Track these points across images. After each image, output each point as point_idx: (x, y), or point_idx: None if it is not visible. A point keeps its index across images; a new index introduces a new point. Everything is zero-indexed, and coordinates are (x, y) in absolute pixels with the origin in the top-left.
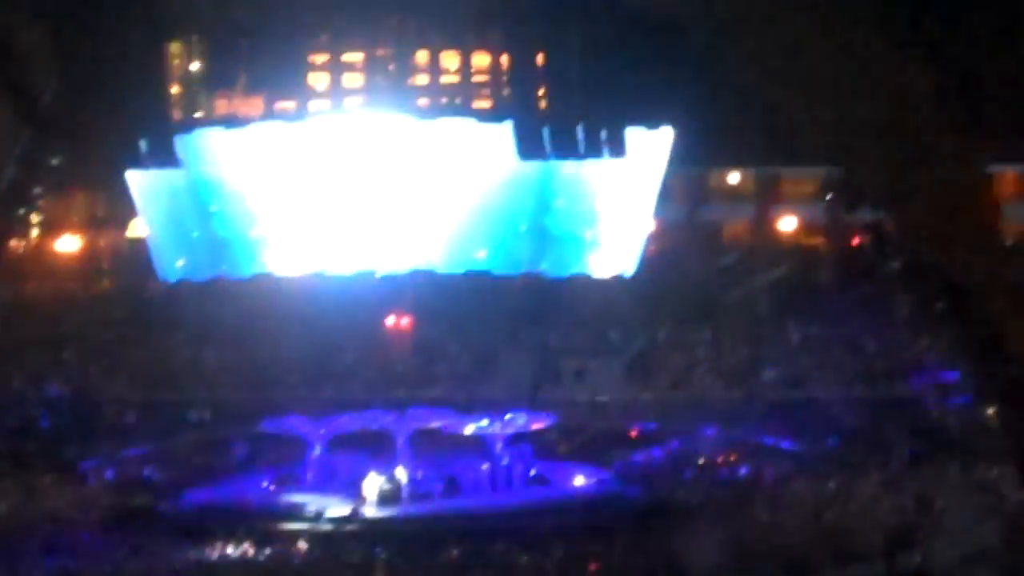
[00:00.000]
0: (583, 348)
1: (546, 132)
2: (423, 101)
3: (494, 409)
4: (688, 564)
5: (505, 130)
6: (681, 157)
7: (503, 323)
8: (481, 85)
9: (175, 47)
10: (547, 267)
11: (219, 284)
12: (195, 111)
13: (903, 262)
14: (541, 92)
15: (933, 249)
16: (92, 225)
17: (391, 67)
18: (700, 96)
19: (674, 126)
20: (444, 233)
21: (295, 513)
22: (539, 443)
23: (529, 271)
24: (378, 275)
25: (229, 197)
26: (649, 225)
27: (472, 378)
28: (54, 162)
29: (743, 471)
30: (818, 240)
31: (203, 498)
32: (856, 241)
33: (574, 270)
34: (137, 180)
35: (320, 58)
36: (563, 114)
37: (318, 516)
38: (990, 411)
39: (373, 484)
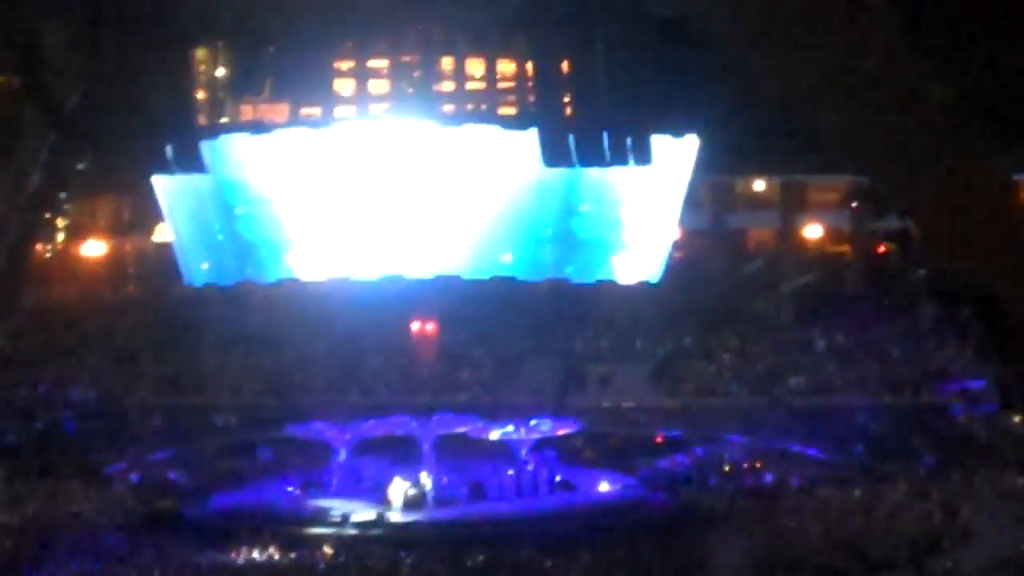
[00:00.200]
0: (608, 354)
1: (571, 139)
2: (448, 107)
3: (519, 415)
4: (713, 571)
5: (530, 137)
6: (707, 164)
7: (528, 329)
8: (506, 92)
9: (201, 53)
10: (572, 273)
11: (245, 288)
12: (221, 117)
13: (929, 270)
14: (566, 99)
15: (959, 257)
16: (118, 230)
17: (416, 73)
18: (726, 104)
19: (700, 134)
20: (469, 239)
21: (320, 518)
22: (564, 449)
23: (554, 277)
24: (403, 280)
25: (255, 202)
26: (675, 232)
27: (497, 384)
28: (80, 167)
29: (768, 478)
30: (844, 248)
31: (228, 502)
32: (882, 249)
33: (599, 276)
34: (163, 185)
35: (345, 64)
36: (588, 121)
37: (343, 521)
38: (1016, 419)
39: (398, 489)
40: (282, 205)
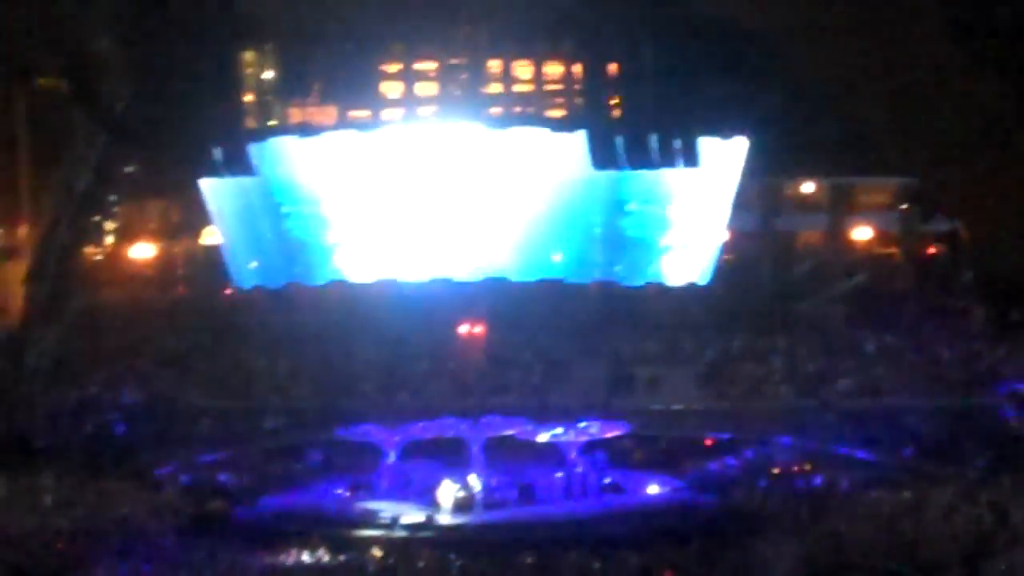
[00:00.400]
0: (657, 356)
1: (620, 141)
2: (496, 110)
3: (568, 417)
4: (762, 573)
5: (578, 139)
6: (755, 167)
7: (576, 331)
8: (554, 94)
9: (249, 56)
10: (621, 273)
11: (293, 291)
12: (269, 119)
13: (978, 271)
14: (615, 101)
15: (1008, 258)
16: (166, 232)
17: (464, 76)
18: (775, 106)
19: (748, 136)
20: (517, 240)
21: (369, 520)
22: (613, 451)
23: (602, 279)
24: (451, 283)
25: (303, 204)
26: (723, 234)
27: (546, 386)
28: (129, 170)
29: (817, 481)
30: (893, 249)
31: (278, 504)
32: (931, 250)
33: (648, 277)
34: (211, 187)
35: (393, 67)
36: (637, 123)
37: (392, 523)
38: None
39: (447, 492)
40: (330, 207)
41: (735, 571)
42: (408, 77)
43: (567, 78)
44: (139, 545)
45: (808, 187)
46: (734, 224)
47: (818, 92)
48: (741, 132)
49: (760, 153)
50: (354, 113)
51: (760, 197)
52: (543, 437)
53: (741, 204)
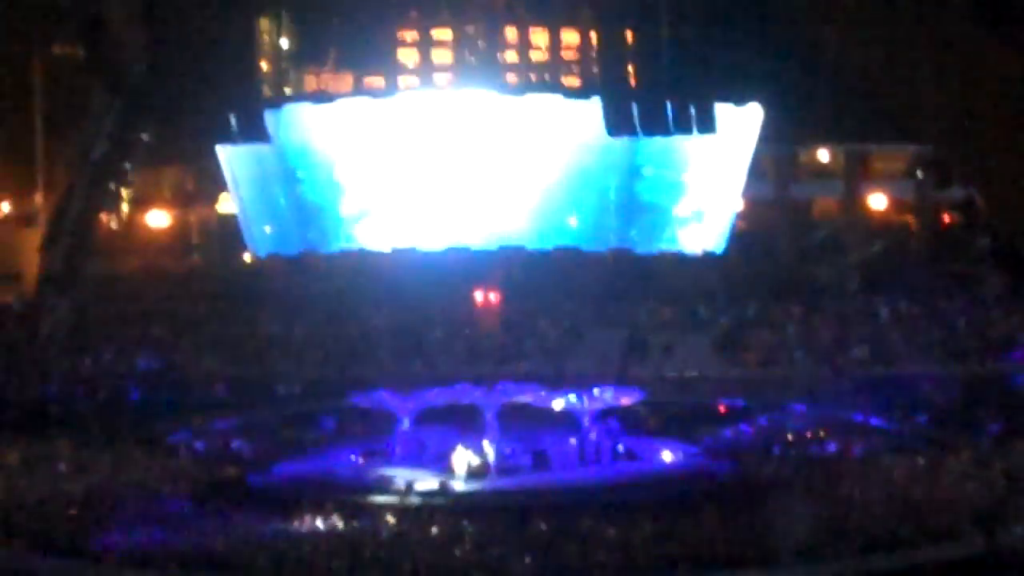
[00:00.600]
0: (672, 324)
1: (635, 108)
2: (512, 77)
3: (582, 384)
4: (777, 540)
5: (594, 106)
6: (771, 135)
7: (591, 298)
8: (570, 62)
9: (265, 23)
10: (636, 240)
11: (308, 258)
12: (285, 87)
13: (993, 239)
14: (630, 68)
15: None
16: (182, 200)
17: (480, 44)
18: (790, 74)
19: (764, 104)
20: (532, 208)
21: (383, 487)
22: (627, 418)
23: (618, 247)
24: (467, 250)
25: (319, 172)
26: (739, 202)
27: (560, 353)
28: (144, 137)
29: (832, 447)
30: (908, 218)
31: (291, 471)
32: (946, 218)
33: (663, 245)
34: (227, 155)
35: (409, 35)
36: (652, 90)
37: (407, 490)
38: None
39: (461, 458)
40: (346, 175)
41: (749, 537)
42: (424, 44)
43: (583, 45)
44: (154, 510)
45: (823, 155)
46: (749, 192)
47: (833, 60)
48: (756, 100)
49: (775, 121)
50: (370, 80)
51: (775, 165)
52: (557, 404)
53: (756, 172)
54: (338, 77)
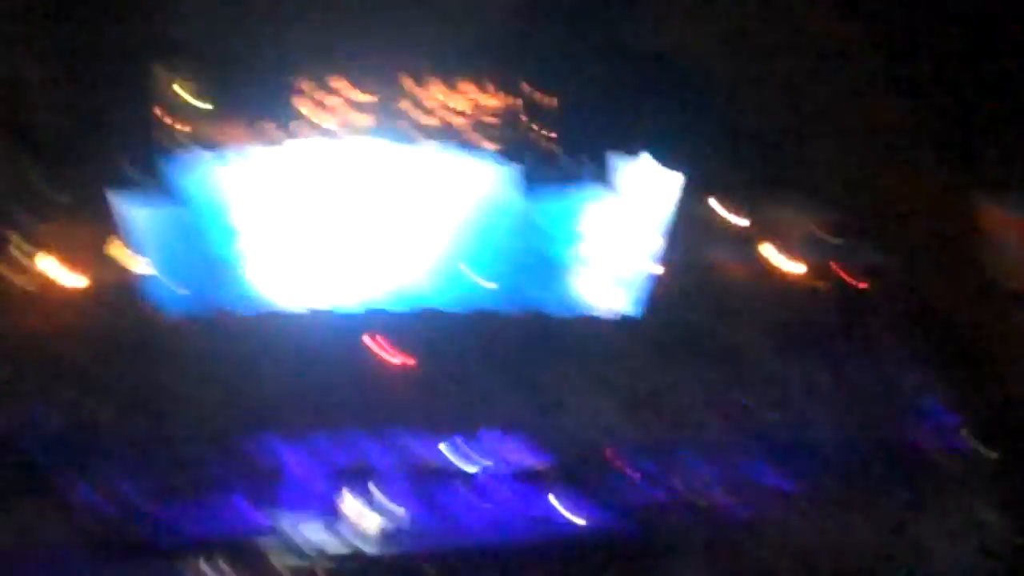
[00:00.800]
0: (583, 387)
1: (546, 168)
2: (423, 133)
3: (494, 447)
4: None
5: (506, 164)
6: (683, 195)
7: (503, 361)
8: (482, 118)
9: (167, 74)
10: (548, 302)
11: (219, 319)
12: (189, 139)
13: (902, 304)
14: (541, 127)
15: (932, 291)
16: (83, 254)
17: (392, 99)
18: (704, 135)
19: (676, 165)
20: (443, 268)
21: (279, 538)
22: (538, 482)
23: (529, 308)
24: (375, 310)
25: (225, 226)
26: (650, 263)
27: (472, 415)
28: (47, 191)
29: (743, 511)
30: (818, 281)
31: (183, 518)
32: (859, 284)
33: (575, 307)
34: (130, 208)
35: (315, 86)
36: (564, 150)
37: (305, 548)
38: (991, 455)
39: (368, 521)
40: (253, 229)
41: None
42: (331, 96)
43: (495, 103)
44: (54, 570)
45: (737, 217)
46: (661, 254)
47: (749, 122)
48: (669, 161)
49: (689, 183)
50: (276, 132)
51: (688, 226)
52: (469, 467)
53: (669, 233)
54: (234, 126)
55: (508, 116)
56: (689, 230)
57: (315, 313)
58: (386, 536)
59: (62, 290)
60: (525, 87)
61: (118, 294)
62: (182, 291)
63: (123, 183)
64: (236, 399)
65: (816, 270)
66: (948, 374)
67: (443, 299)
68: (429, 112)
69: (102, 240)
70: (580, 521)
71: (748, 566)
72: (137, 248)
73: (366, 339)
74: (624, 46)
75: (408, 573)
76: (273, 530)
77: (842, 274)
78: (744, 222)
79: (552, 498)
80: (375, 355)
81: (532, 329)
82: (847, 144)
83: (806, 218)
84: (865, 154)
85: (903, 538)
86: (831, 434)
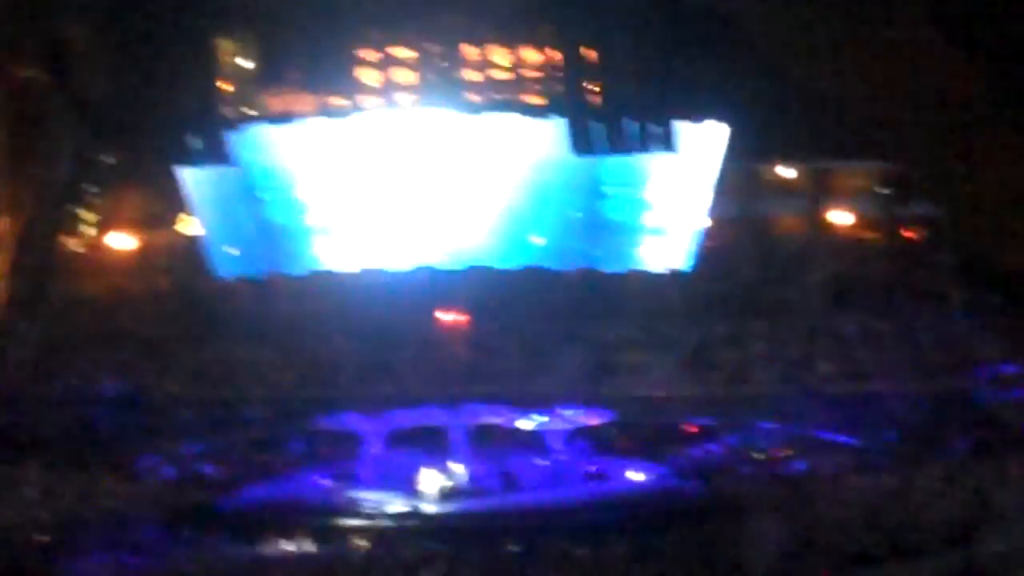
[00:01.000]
0: (639, 343)
1: (599, 127)
2: (474, 97)
3: (550, 405)
4: (746, 559)
5: (557, 125)
6: (735, 152)
7: (559, 318)
8: (532, 80)
9: (225, 44)
10: (601, 260)
11: (273, 280)
12: (246, 107)
13: (958, 255)
14: (593, 87)
15: (986, 242)
16: (146, 223)
17: (442, 63)
18: (753, 91)
19: (727, 121)
20: (497, 227)
21: (352, 510)
22: (596, 439)
23: (584, 265)
24: (433, 270)
25: (282, 193)
26: (704, 219)
27: (528, 374)
28: (107, 160)
29: (801, 466)
30: (873, 234)
31: (260, 495)
32: (911, 235)
33: (629, 264)
34: (190, 176)
35: (370, 54)
36: (615, 109)
37: (376, 513)
38: None
39: (430, 480)
40: (310, 196)
41: (719, 557)
42: (385, 64)
43: (545, 64)
44: (122, 537)
45: (788, 172)
46: (714, 210)
47: (798, 77)
48: (720, 117)
49: (739, 139)
50: (331, 100)
51: (740, 182)
52: (526, 425)
53: (721, 190)
54: (299, 97)
55: (561, 76)
56: (741, 185)
57: (371, 274)
58: (445, 494)
59: (124, 257)
60: (579, 48)
61: (180, 259)
62: (241, 255)
63: (184, 151)
64: (295, 361)
65: (871, 224)
66: (1007, 324)
67: (498, 258)
68: (482, 74)
69: (167, 208)
70: (639, 477)
71: (811, 522)
72: (199, 214)
73: (423, 299)
74: (671, 3)
75: (468, 530)
76: (333, 490)
77: (898, 228)
78: (796, 176)
79: (608, 454)
80: (432, 315)
81: (587, 286)
82: (900, 101)
83: (860, 172)
84: (920, 110)
85: (965, 488)
86: (890, 387)
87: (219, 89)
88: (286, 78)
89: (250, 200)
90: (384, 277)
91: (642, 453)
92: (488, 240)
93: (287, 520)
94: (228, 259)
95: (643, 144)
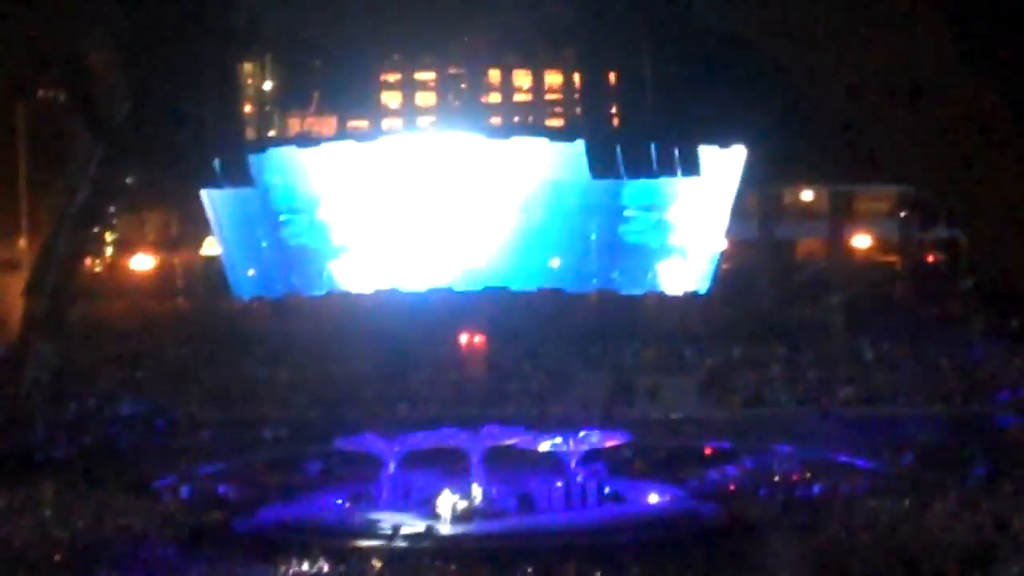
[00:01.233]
0: (657, 365)
1: (619, 150)
2: (495, 119)
3: (568, 427)
4: None
5: (577, 148)
6: (755, 175)
7: (576, 340)
8: (553, 103)
9: (248, 66)
10: (619, 282)
11: (292, 301)
12: (269, 130)
13: (977, 278)
14: (613, 110)
15: (1007, 265)
16: (166, 244)
17: (463, 86)
18: (774, 114)
19: (748, 144)
20: (515, 250)
21: (370, 530)
22: (613, 461)
23: (602, 288)
24: (451, 292)
25: (303, 215)
26: (722, 242)
27: (545, 396)
28: (128, 181)
29: (817, 489)
30: (892, 257)
31: (278, 515)
32: (930, 258)
33: (647, 286)
34: (211, 198)
35: (393, 77)
36: (636, 132)
37: (393, 533)
38: None
39: (447, 501)
40: (330, 218)
41: None
42: (407, 87)
43: (566, 87)
44: (139, 556)
45: (807, 195)
46: (733, 232)
47: (817, 100)
48: (740, 140)
49: (759, 161)
50: (353, 123)
51: (759, 205)
52: (543, 447)
53: (740, 212)
54: (322, 120)
55: (581, 99)
56: (760, 209)
57: (390, 295)
58: (462, 515)
59: (144, 277)
60: (600, 71)
61: (200, 280)
62: (261, 276)
63: (205, 173)
64: (313, 382)
65: (891, 247)
66: None
67: (517, 280)
68: (503, 97)
69: (188, 230)
70: (656, 499)
71: (828, 545)
72: (220, 236)
73: (441, 321)
74: (693, 27)
75: (484, 552)
76: (350, 510)
77: (918, 251)
78: (816, 199)
79: (625, 476)
80: (450, 337)
81: (605, 308)
82: (922, 125)
83: (881, 196)
84: (942, 134)
85: (983, 512)
86: (908, 410)
87: (241, 111)
88: (308, 101)
89: (270, 222)
90: (403, 298)
91: (659, 475)
92: (507, 262)
93: (304, 540)
94: (248, 280)
95: (663, 167)
